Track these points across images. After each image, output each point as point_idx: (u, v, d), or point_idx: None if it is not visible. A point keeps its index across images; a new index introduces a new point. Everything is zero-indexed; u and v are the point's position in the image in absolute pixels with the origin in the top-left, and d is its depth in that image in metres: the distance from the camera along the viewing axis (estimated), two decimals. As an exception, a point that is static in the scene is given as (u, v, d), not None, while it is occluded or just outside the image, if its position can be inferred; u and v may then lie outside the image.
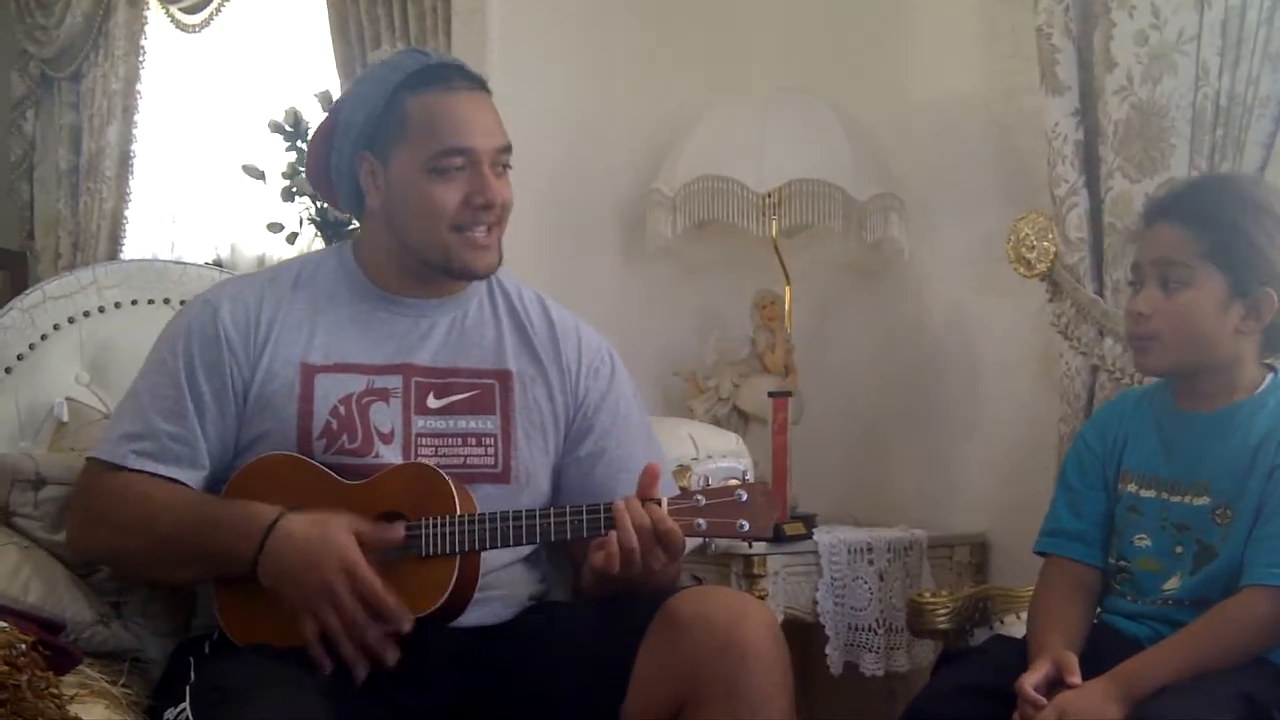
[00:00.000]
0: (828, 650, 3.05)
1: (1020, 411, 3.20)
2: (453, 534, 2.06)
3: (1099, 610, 2.26)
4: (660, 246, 3.39)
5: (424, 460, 2.16)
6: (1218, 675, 2.02)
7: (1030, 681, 2.07)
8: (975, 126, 3.28)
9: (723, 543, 2.71)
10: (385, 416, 2.18)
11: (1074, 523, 2.28)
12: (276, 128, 4.63)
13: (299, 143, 4.57)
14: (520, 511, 2.08)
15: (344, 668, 2.03)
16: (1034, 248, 2.96)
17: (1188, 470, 2.19)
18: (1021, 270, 2.98)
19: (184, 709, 1.98)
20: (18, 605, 2.12)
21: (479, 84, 2.24)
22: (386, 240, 2.24)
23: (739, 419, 3.33)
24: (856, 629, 3.07)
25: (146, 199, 5.76)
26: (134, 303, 2.68)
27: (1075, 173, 2.90)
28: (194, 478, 2.17)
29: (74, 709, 1.97)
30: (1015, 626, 2.42)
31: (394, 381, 2.20)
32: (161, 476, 2.15)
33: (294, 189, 4.58)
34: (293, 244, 4.69)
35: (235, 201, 5.16)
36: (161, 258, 5.61)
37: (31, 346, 2.59)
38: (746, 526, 2.01)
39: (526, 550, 2.22)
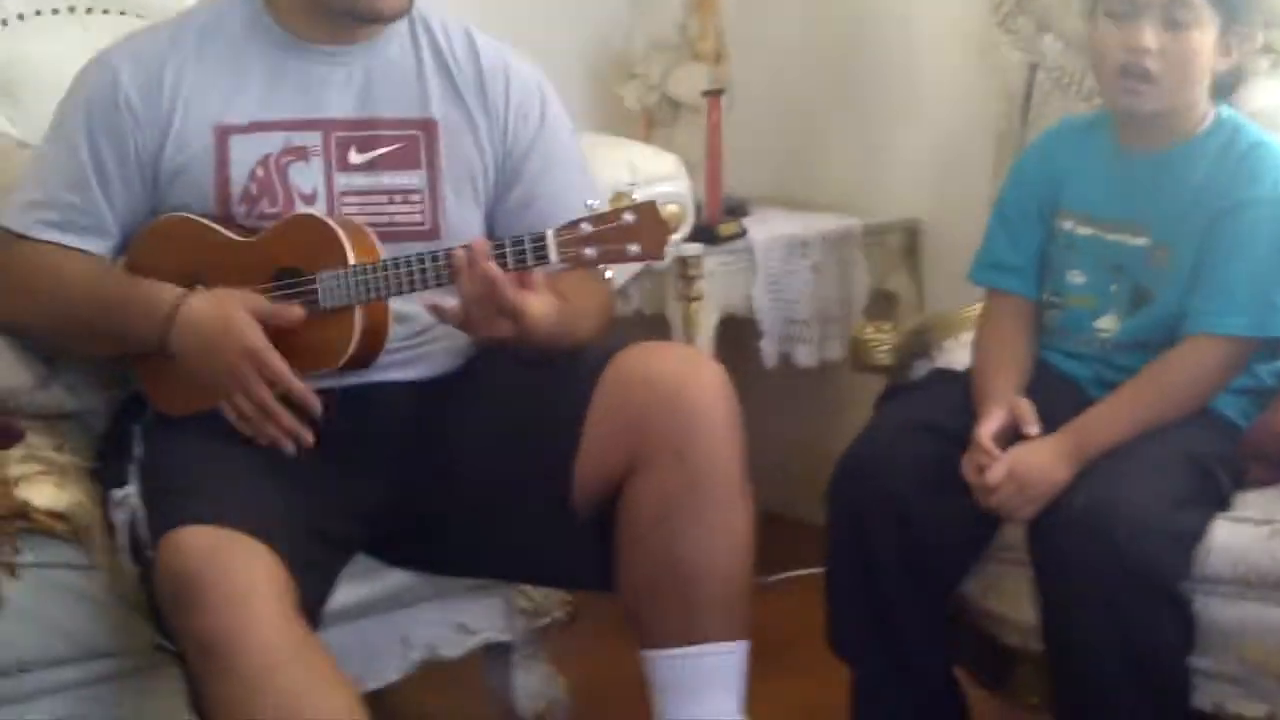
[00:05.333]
0: (762, 344, 3.07)
1: (957, 98, 3.13)
2: (347, 285, 2.01)
3: (1036, 347, 2.29)
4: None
5: (348, 218, 2.09)
6: (1162, 434, 2.06)
7: (987, 431, 2.09)
8: None
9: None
10: (305, 176, 2.10)
11: (1011, 255, 2.27)
12: None
13: None
14: (417, 255, 2.00)
15: None
16: (974, -72, 2.86)
17: (1126, 210, 2.18)
18: (960, -47, 2.89)
19: (130, 493, 1.97)
20: (-47, 382, 2.09)
21: None
22: None
23: (669, 107, 3.25)
24: (791, 322, 3.09)
25: None
26: (38, 13, 2.55)
27: None
28: (103, 246, 2.12)
29: (21, 492, 1.98)
30: (955, 352, 2.43)
31: (312, 139, 2.11)
32: (70, 248, 2.10)
33: None
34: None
35: None
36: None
37: (-66, 69, 2.48)
38: (636, 249, 1.94)
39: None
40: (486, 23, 2.32)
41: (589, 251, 1.95)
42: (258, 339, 1.98)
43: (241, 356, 1.98)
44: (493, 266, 1.94)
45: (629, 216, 1.94)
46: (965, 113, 3.08)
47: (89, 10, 2.57)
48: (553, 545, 2.07)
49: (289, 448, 2.02)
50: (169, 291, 2.04)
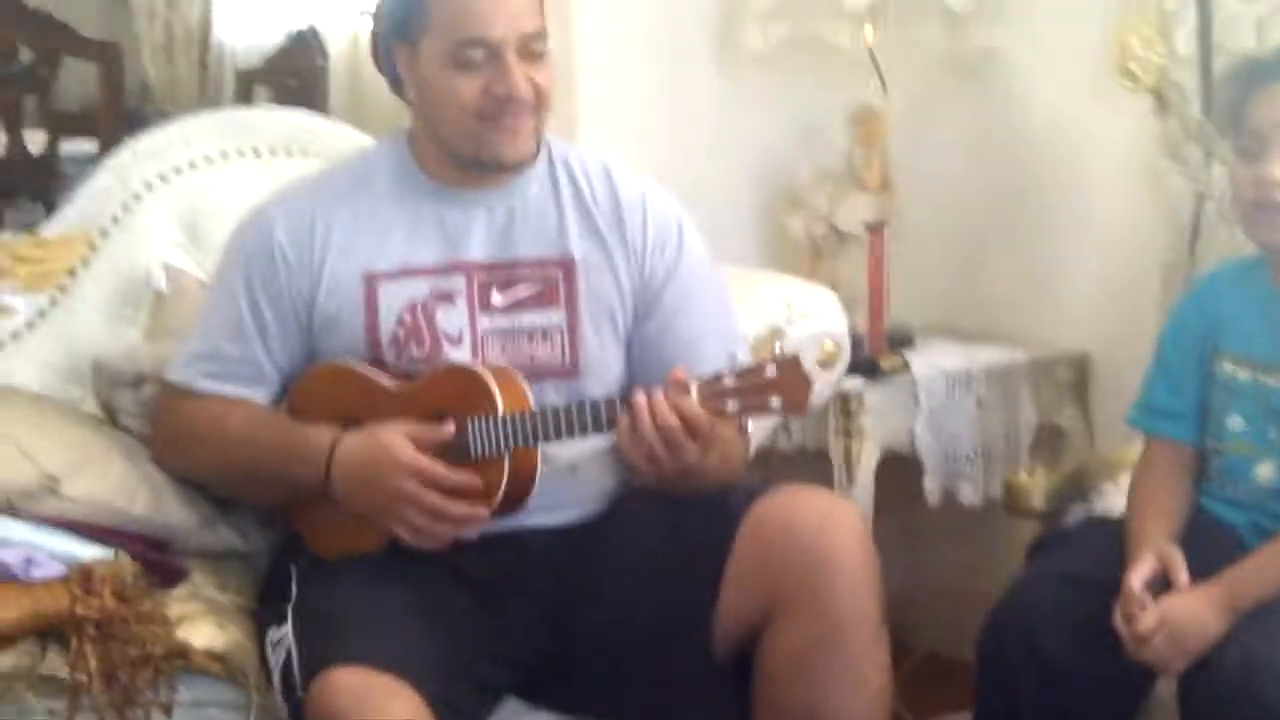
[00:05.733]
0: (925, 481, 3.02)
1: (1123, 227, 3.09)
2: (498, 434, 2.05)
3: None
4: (753, 56, 3.28)
5: (491, 359, 2.15)
6: None
7: (1138, 579, 2.06)
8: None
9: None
10: (452, 319, 2.17)
11: (1171, 401, 2.25)
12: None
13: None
14: (568, 406, 2.05)
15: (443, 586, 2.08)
16: (1140, 60, 2.83)
17: None
18: (1126, 83, 2.85)
19: (286, 633, 2.03)
20: (124, 521, 2.17)
21: None
22: (429, 133, 2.20)
23: (836, 237, 3.27)
24: (954, 459, 3.05)
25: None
26: (224, 155, 2.68)
27: (1185, -16, 2.76)
28: (263, 394, 2.20)
29: (182, 631, 2.05)
30: (1113, 496, 2.40)
31: (457, 282, 2.17)
32: (232, 398, 2.19)
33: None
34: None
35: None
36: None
37: (125, 208, 2.61)
38: (778, 403, 1.96)
39: (609, 441, 2.18)
40: (656, 157, 2.37)
41: (730, 404, 1.97)
42: (410, 451, 2.03)
43: (397, 472, 2.02)
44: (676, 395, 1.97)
45: (771, 370, 1.96)
46: (1133, 243, 3.04)
47: (273, 153, 2.69)
48: (693, 691, 2.07)
49: (471, 532, 2.05)
50: (324, 434, 2.10)
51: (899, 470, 3.03)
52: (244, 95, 5.37)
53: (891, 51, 3.21)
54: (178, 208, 2.62)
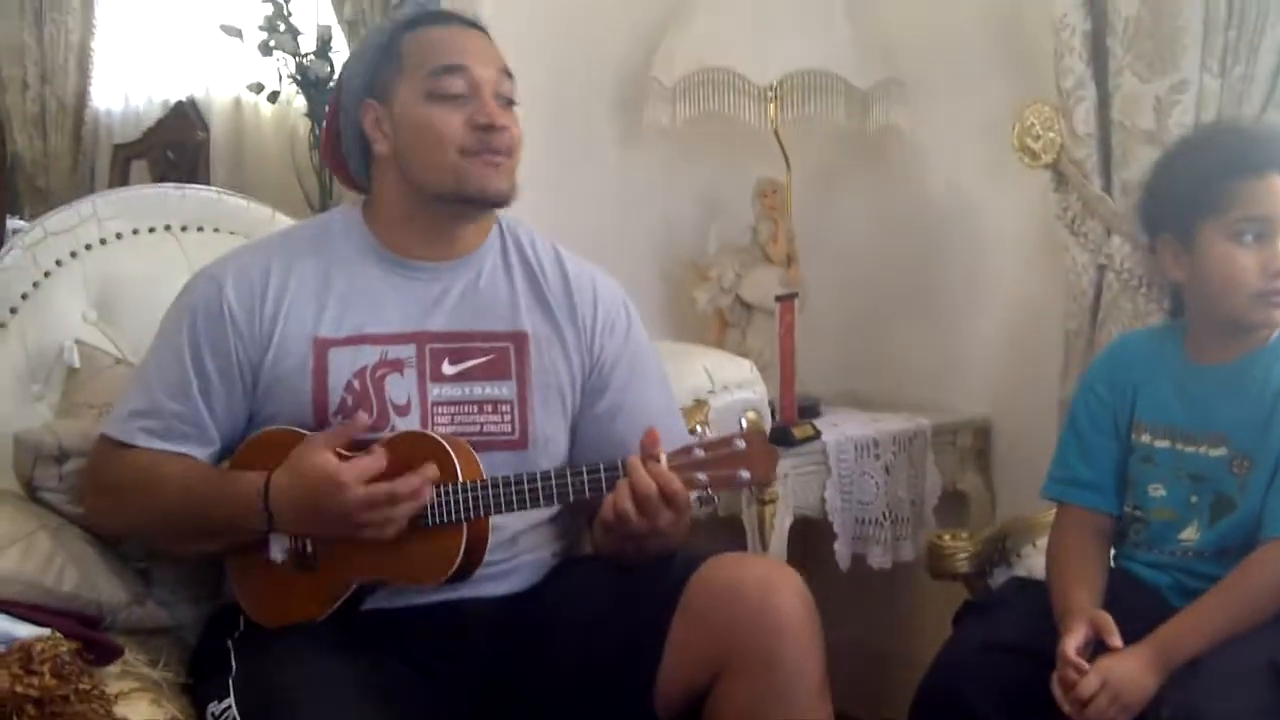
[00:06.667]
0: (836, 546, 3.08)
1: (1022, 296, 3.19)
2: (456, 502, 2.06)
3: (1115, 555, 2.30)
4: (658, 133, 3.33)
5: (440, 428, 2.15)
6: (1244, 641, 2.06)
7: (1073, 646, 2.10)
8: (983, 9, 3.20)
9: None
10: (400, 388, 2.17)
11: (1086, 471, 2.30)
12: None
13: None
14: (523, 475, 2.07)
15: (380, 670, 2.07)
16: (1040, 138, 2.91)
17: (1204, 421, 2.20)
18: (1027, 160, 2.93)
19: (229, 707, 2.00)
20: (54, 601, 2.13)
21: (478, 26, 2.25)
22: (399, 190, 2.21)
23: (742, 309, 3.32)
24: (863, 523, 3.11)
25: (114, 33, 5.66)
26: (135, 232, 2.65)
27: (1083, 65, 2.83)
28: (203, 453, 2.18)
29: (120, 708, 2.00)
30: (1034, 558, 2.45)
31: (407, 351, 2.18)
32: (171, 454, 2.16)
33: (271, 43, 4.49)
34: (274, 102, 4.61)
35: (210, 46, 5.04)
36: (135, 105, 5.53)
37: (35, 285, 2.57)
38: (747, 475, 2.01)
39: (549, 512, 2.23)
40: (562, 228, 2.38)
41: (701, 476, 2.02)
42: (338, 467, 2.02)
43: (342, 489, 2.01)
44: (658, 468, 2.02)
45: (740, 443, 2.02)
46: (1034, 312, 3.13)
47: (184, 229, 2.67)
48: None
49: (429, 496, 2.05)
50: (254, 477, 2.09)
51: (805, 533, 3.08)
52: (120, 169, 5.30)
53: (795, 128, 3.29)
54: (90, 284, 2.58)
